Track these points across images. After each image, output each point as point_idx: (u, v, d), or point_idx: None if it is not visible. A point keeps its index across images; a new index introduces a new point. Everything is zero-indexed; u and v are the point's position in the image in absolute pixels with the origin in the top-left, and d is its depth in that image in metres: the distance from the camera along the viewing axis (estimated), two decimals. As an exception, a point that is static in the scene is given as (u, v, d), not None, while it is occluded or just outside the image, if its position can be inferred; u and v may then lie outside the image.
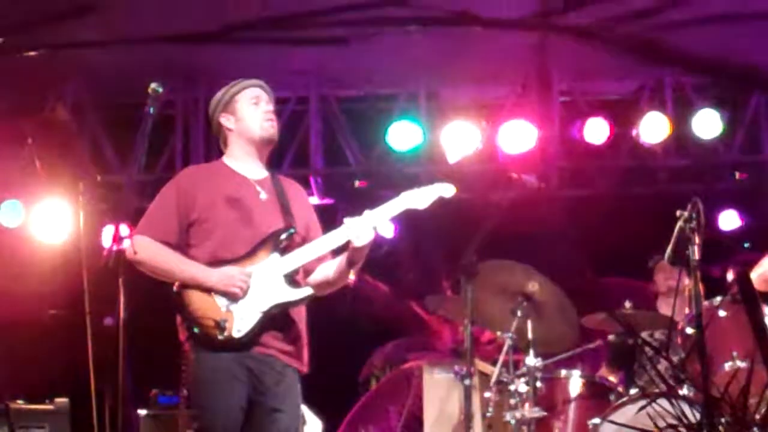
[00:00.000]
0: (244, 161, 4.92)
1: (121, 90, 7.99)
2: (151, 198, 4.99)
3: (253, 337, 4.60)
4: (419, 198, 4.78)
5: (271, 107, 4.93)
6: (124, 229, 4.67)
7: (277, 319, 4.65)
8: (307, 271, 4.85)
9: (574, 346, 6.76)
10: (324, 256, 4.81)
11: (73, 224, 8.06)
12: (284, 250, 4.72)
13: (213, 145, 8.00)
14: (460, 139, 8.24)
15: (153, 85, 4.70)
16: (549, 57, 8.05)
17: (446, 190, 4.83)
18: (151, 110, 4.69)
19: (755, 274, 6.22)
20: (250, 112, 4.89)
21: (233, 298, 4.60)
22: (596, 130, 8.21)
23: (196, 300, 4.63)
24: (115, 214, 5.97)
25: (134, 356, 4.76)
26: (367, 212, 4.68)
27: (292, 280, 4.71)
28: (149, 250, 4.70)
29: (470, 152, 8.27)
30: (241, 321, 4.59)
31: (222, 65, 7.67)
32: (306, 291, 4.72)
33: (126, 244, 4.45)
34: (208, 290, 4.63)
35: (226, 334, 4.56)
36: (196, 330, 4.60)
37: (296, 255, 4.72)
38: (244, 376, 4.59)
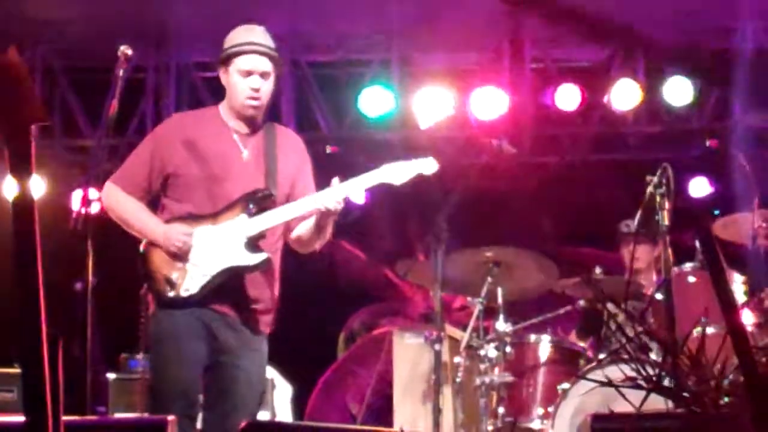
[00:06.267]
0: (236, 114, 4.85)
1: (91, 54, 7.93)
2: (122, 161, 4.99)
3: (203, 297, 4.62)
4: (398, 173, 4.74)
5: (258, 84, 4.74)
6: (93, 193, 4.67)
7: (235, 280, 4.66)
8: (289, 227, 4.83)
9: (552, 295, 6.82)
10: (299, 218, 4.77)
11: (45, 185, 8.02)
12: (256, 213, 4.68)
13: (184, 108, 7.96)
14: (433, 105, 8.22)
15: (122, 48, 4.71)
16: (521, 23, 8.04)
17: (427, 167, 4.81)
18: (121, 73, 4.70)
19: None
20: (238, 84, 4.76)
21: (173, 256, 4.63)
22: (567, 97, 8.20)
23: (157, 257, 4.68)
24: (85, 177, 5.94)
25: (104, 320, 4.76)
26: (342, 183, 4.64)
27: (254, 244, 4.68)
28: (114, 199, 4.77)
29: (442, 118, 8.25)
30: (191, 280, 4.62)
31: (193, 29, 7.62)
32: (260, 257, 4.67)
33: (95, 207, 4.48)
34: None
35: (174, 291, 4.61)
36: (151, 286, 4.70)
37: (263, 218, 4.68)
38: (203, 333, 4.62)
